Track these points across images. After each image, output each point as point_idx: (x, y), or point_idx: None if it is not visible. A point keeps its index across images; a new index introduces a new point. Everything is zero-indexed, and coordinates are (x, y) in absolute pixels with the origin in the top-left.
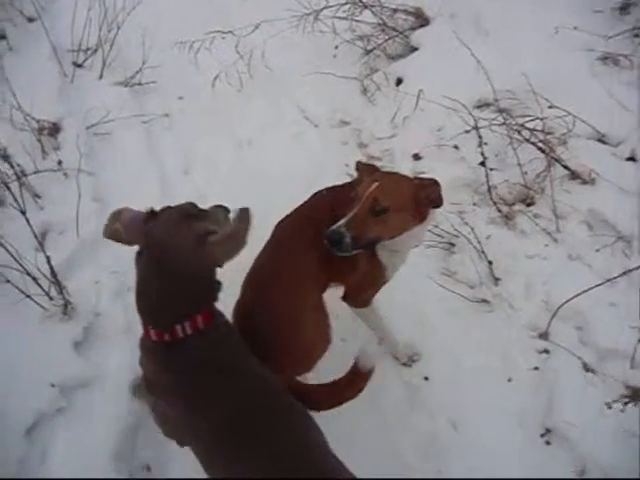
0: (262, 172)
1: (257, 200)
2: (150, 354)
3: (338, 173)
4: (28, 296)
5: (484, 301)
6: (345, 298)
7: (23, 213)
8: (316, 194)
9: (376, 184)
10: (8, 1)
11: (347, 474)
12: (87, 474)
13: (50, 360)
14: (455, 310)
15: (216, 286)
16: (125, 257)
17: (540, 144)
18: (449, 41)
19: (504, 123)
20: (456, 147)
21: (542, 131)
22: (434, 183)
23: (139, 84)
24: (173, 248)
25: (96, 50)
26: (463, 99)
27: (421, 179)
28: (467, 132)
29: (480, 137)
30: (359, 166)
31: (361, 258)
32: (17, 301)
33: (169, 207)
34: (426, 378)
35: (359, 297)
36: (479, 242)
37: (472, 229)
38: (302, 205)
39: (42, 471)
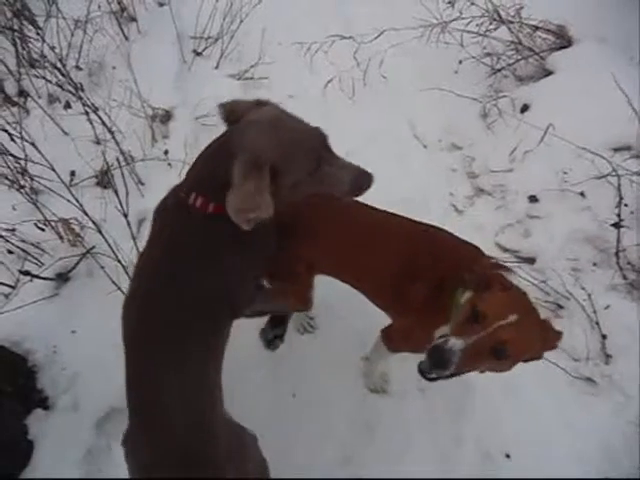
0: None
1: None
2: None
3: (441, 202)
4: (119, 288)
5: (589, 380)
6: (384, 331)
7: (125, 216)
8: (440, 230)
9: (511, 320)
10: None
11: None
12: None
13: None
14: (551, 383)
15: None
16: None
17: None
18: (591, 68)
19: None
20: (582, 194)
21: None
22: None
23: (251, 78)
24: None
25: (217, 40)
26: (599, 139)
27: (555, 331)
28: (598, 179)
29: (621, 197)
30: (488, 264)
31: (420, 315)
32: (109, 291)
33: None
34: (508, 455)
35: (392, 341)
36: (594, 311)
37: (589, 296)
38: (425, 229)
39: (106, 461)
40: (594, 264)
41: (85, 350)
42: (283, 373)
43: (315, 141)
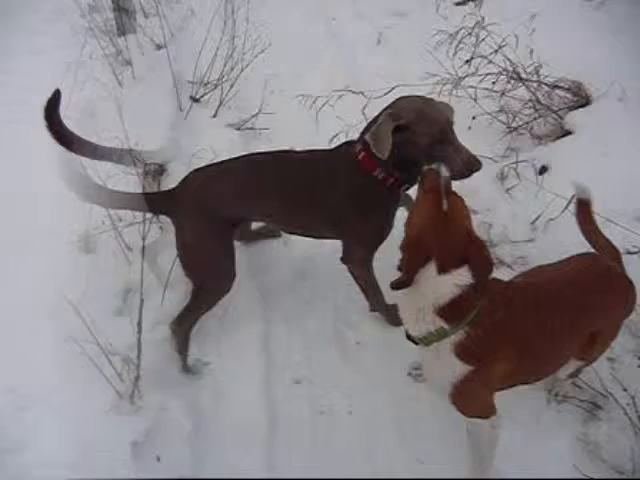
0: None
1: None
2: None
3: None
4: (112, 384)
5: None
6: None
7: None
8: None
9: None
10: (143, 29)
11: None
12: None
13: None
14: None
15: None
16: None
17: None
18: (611, 127)
19: None
20: None
21: None
22: None
23: (251, 129)
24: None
25: (216, 86)
26: (625, 207)
27: None
28: (631, 254)
29: None
30: None
31: None
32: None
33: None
34: None
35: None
36: (639, 415)
37: (632, 399)
38: None
39: None
40: (636, 356)
41: None
42: None
43: (442, 121)
